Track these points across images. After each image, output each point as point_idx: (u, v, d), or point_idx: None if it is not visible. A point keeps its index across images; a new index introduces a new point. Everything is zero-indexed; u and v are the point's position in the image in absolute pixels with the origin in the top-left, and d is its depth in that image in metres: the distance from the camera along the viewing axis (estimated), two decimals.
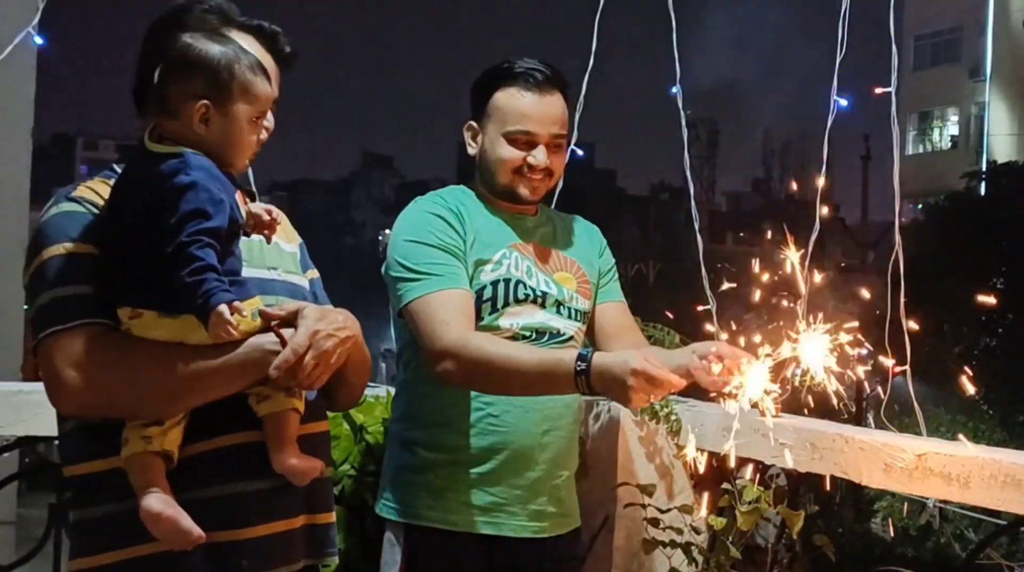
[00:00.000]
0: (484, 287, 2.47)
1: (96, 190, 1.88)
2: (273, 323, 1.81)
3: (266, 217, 1.94)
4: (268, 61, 1.99)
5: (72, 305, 1.78)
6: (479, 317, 2.45)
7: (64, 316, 1.77)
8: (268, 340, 1.80)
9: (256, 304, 1.82)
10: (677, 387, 2.16)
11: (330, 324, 1.84)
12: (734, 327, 2.40)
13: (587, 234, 2.71)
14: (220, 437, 1.84)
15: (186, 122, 1.81)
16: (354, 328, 1.89)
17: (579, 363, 2.19)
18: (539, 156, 2.50)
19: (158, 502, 1.74)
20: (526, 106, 2.49)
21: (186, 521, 1.74)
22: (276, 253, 2.02)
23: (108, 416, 1.79)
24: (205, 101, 1.81)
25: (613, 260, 2.72)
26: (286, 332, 1.80)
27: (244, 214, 1.88)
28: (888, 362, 2.84)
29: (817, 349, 2.18)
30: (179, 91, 1.81)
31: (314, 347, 1.80)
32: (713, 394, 2.23)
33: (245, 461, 1.84)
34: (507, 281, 2.49)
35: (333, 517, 2.01)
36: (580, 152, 3.52)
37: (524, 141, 2.50)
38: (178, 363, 1.77)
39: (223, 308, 1.70)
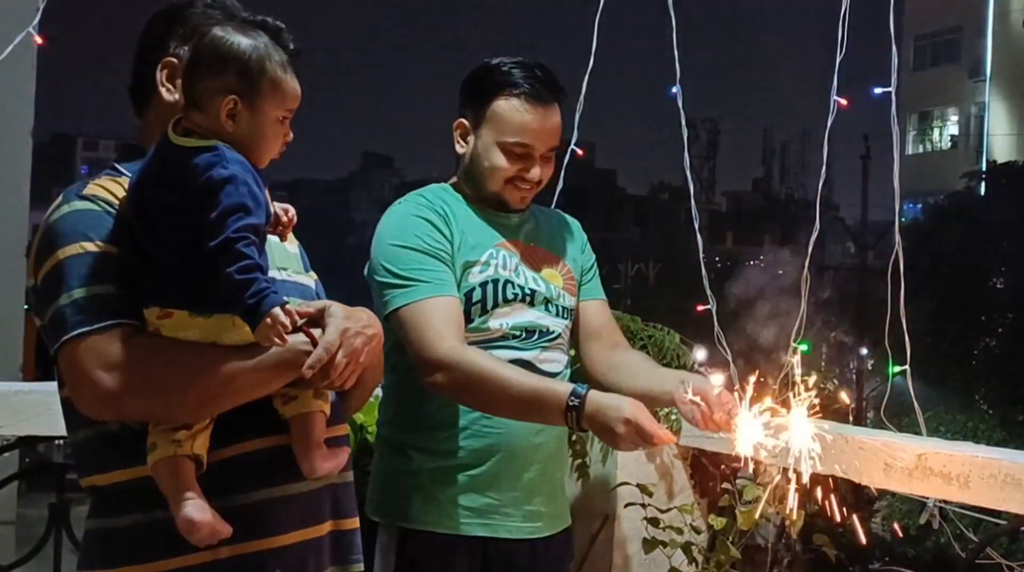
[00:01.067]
0: (473, 289, 2.44)
1: (107, 188, 1.80)
2: (301, 322, 1.72)
3: (284, 217, 1.91)
4: None
5: (97, 305, 1.70)
6: (469, 319, 2.42)
7: (90, 317, 1.70)
8: (299, 339, 1.72)
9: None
10: (667, 443, 2.15)
11: (357, 322, 1.79)
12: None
13: (569, 230, 2.69)
14: (245, 442, 1.78)
15: (213, 116, 1.74)
16: (377, 327, 1.85)
17: (572, 398, 2.18)
18: (535, 172, 2.49)
19: (196, 510, 1.68)
20: (528, 120, 2.45)
21: (220, 525, 1.70)
22: (284, 253, 1.97)
23: (140, 420, 1.73)
24: (234, 96, 1.74)
25: (594, 256, 2.70)
26: (314, 331, 1.75)
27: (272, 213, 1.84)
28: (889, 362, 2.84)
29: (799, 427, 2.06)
30: (208, 84, 1.74)
31: (344, 345, 1.74)
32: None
33: (272, 466, 1.78)
34: (495, 281, 2.46)
35: (357, 523, 1.95)
36: (580, 152, 3.52)
37: (520, 153, 2.47)
38: (214, 364, 1.70)
39: (277, 311, 1.64)
